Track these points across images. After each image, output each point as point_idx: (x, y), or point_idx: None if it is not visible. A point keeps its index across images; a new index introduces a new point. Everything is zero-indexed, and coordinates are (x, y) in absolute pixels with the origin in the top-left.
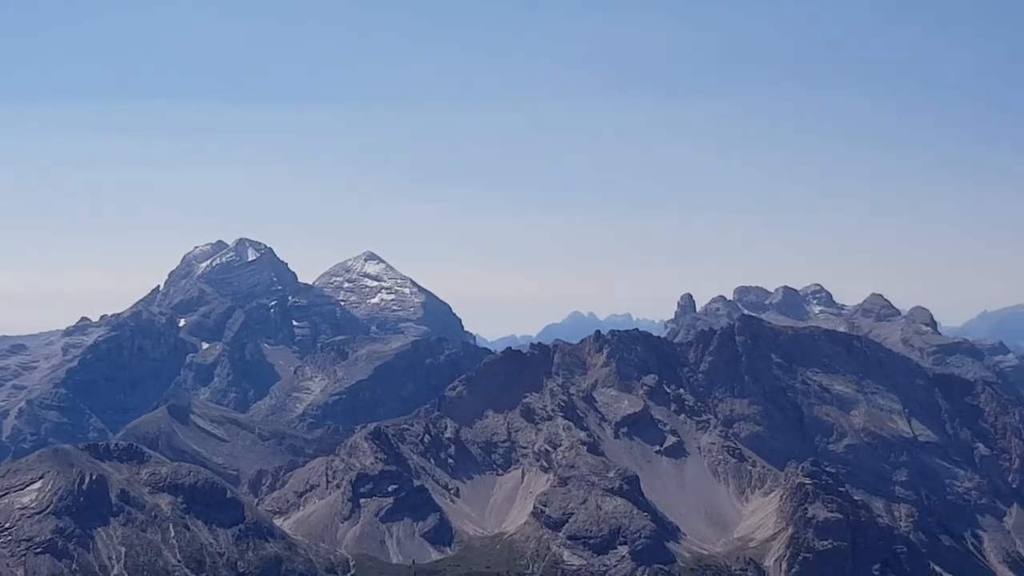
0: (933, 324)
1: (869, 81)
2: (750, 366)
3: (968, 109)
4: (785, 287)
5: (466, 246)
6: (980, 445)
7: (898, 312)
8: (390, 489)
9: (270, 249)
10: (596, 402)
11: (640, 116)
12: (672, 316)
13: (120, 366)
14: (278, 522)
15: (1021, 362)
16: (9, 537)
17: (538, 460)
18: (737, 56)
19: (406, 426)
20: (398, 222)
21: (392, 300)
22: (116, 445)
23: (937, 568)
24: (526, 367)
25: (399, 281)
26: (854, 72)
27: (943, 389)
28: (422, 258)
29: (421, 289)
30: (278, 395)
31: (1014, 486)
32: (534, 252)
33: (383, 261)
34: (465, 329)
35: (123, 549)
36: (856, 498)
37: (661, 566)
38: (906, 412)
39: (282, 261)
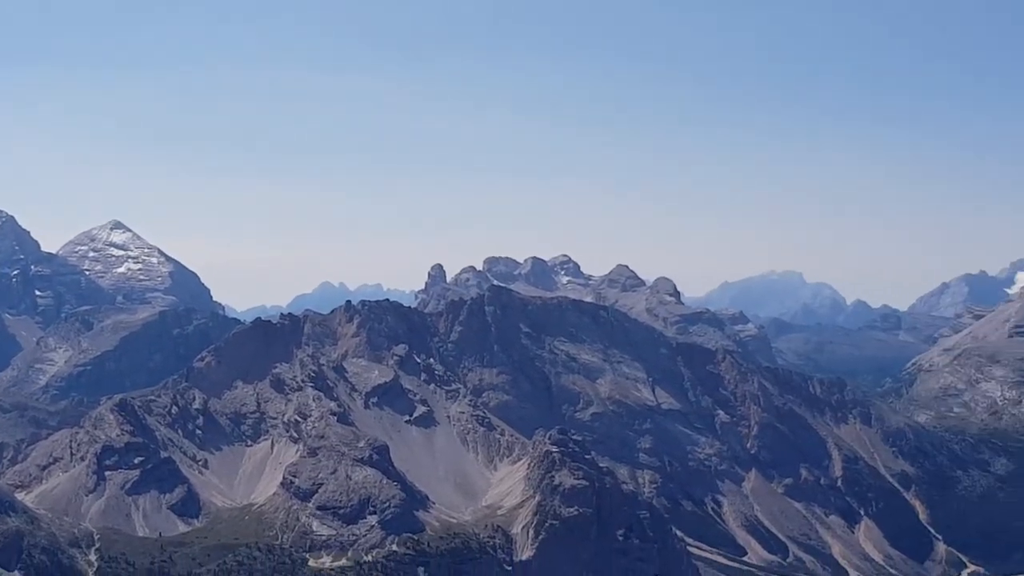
0: (676, 294)
1: (614, 55)
2: (499, 336)
3: (705, 85)
4: (534, 258)
5: (215, 215)
6: (721, 412)
7: (643, 282)
8: (136, 461)
9: (12, 217)
10: (346, 372)
11: (390, 84)
12: (423, 286)
13: None
14: (20, 496)
15: (760, 331)
16: None
17: (288, 431)
18: (492, 21)
19: (153, 397)
20: (145, 190)
21: (139, 270)
22: None
23: (679, 532)
24: (276, 337)
25: (146, 250)
26: (600, 46)
27: (685, 358)
28: (170, 227)
29: (169, 259)
30: (20, 366)
31: (752, 452)
32: (284, 222)
33: (129, 230)
34: (214, 299)
35: None
36: (602, 465)
37: (410, 535)
38: (650, 380)
39: (24, 229)
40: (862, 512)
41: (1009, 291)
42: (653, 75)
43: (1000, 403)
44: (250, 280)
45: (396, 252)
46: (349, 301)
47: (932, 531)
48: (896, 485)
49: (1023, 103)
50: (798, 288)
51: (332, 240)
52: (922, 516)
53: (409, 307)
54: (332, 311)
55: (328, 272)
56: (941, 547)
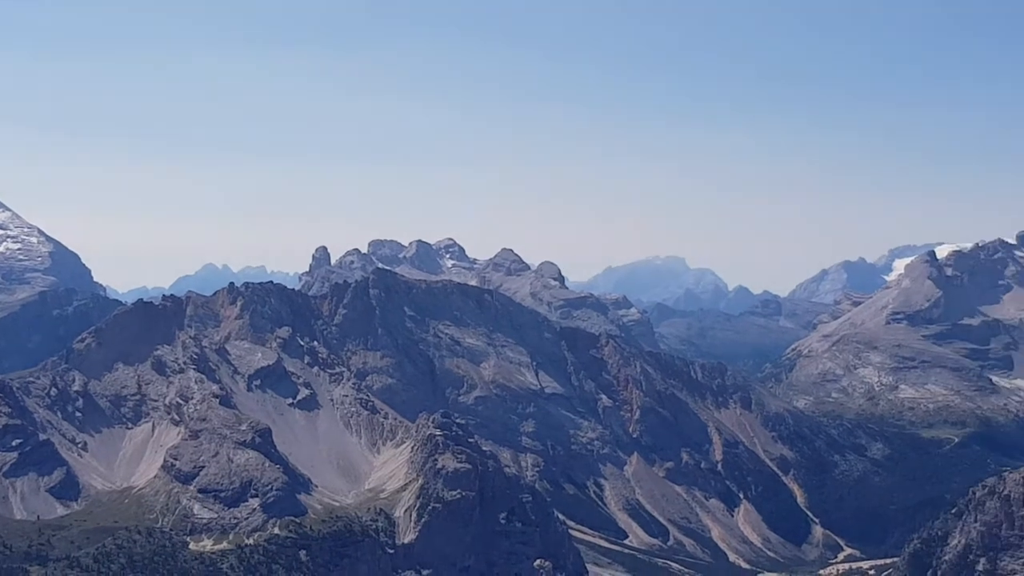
0: (560, 279)
1: (497, 38)
2: (383, 319)
3: (588, 71)
4: (419, 241)
5: (97, 195)
6: (603, 396)
7: (527, 267)
8: (14, 443)
9: None
10: (229, 355)
11: (274, 66)
12: (307, 269)
13: None
14: None
15: (643, 316)
16: None
17: (169, 413)
18: (374, 4)
19: (32, 379)
20: (25, 169)
21: (18, 249)
22: None
23: (561, 516)
24: (158, 319)
25: (25, 230)
26: (482, 27)
27: (569, 342)
28: (50, 207)
29: (49, 238)
30: None
31: (634, 436)
32: (167, 202)
33: (8, 209)
34: (95, 280)
35: None
36: (485, 449)
37: (292, 518)
38: (534, 364)
39: None
40: (741, 496)
41: (887, 278)
42: (534, 60)
43: (877, 388)
44: (132, 261)
45: (280, 234)
46: (232, 283)
47: (809, 514)
48: (775, 469)
49: (904, 93)
50: (681, 273)
51: (216, 221)
52: (800, 500)
53: (293, 289)
54: (215, 293)
55: (211, 253)
56: (818, 530)
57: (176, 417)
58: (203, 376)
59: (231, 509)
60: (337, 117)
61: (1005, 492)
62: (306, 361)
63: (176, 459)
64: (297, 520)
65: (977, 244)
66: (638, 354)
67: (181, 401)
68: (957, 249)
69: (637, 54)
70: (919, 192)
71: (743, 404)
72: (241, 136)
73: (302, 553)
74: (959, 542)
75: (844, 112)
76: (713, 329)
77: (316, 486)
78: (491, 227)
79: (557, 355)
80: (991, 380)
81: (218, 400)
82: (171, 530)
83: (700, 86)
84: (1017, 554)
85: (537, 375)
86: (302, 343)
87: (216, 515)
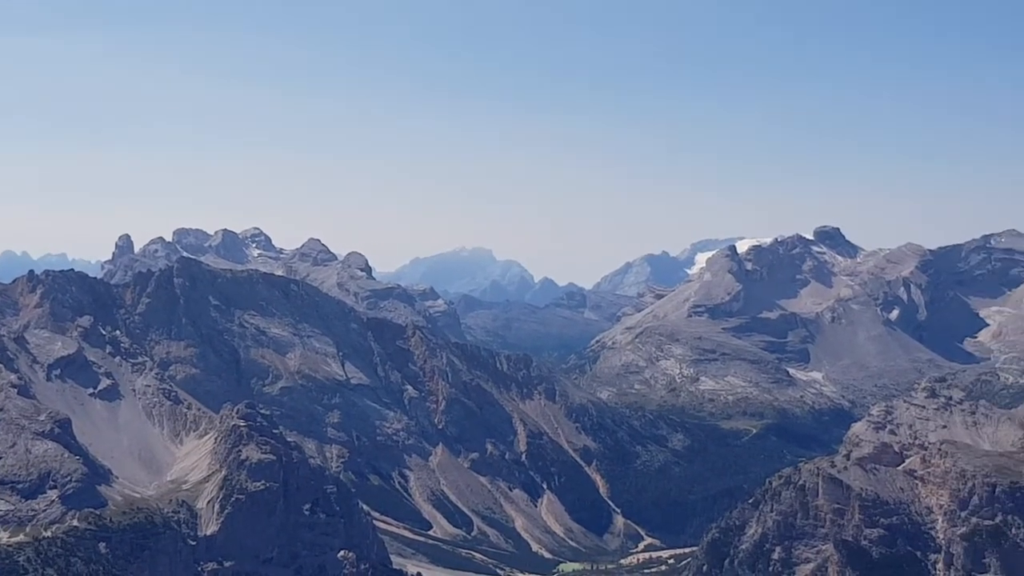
0: (368, 269)
1: (309, 17)
2: (188, 308)
3: (407, 60)
4: (225, 230)
5: None
6: (409, 387)
7: (335, 257)
8: None
9: None
10: (28, 343)
11: (71, 46)
12: (109, 257)
13: None
14: None
15: (450, 307)
16: None
17: None
18: None
19: None
20: None
21: None
22: None
23: (366, 507)
24: None
25: None
26: (294, 6)
27: (376, 333)
28: None
29: None
30: None
31: (440, 427)
32: None
33: None
34: None
35: None
36: (289, 440)
37: (92, 510)
38: (340, 355)
39: None
40: (545, 486)
41: (689, 271)
42: (340, 45)
43: (678, 380)
44: None
45: (82, 221)
46: (32, 270)
47: (611, 504)
48: (578, 460)
49: (705, 89)
50: (488, 265)
51: (14, 207)
52: (602, 490)
53: (95, 278)
54: (14, 280)
55: (9, 240)
56: (620, 520)
57: None
58: (0, 365)
59: (28, 501)
60: (137, 98)
61: (800, 482)
62: (108, 351)
63: None
64: (97, 512)
65: (776, 239)
66: (444, 345)
67: None
68: (757, 244)
69: (442, 43)
70: (720, 187)
71: (547, 395)
72: (42, 118)
73: (101, 545)
74: (756, 531)
75: (647, 108)
76: (519, 320)
77: (117, 477)
78: (298, 217)
79: (363, 346)
80: (788, 373)
81: (16, 390)
82: None
83: (507, 77)
84: (811, 543)
85: (343, 366)
86: (104, 332)
87: (13, 507)
